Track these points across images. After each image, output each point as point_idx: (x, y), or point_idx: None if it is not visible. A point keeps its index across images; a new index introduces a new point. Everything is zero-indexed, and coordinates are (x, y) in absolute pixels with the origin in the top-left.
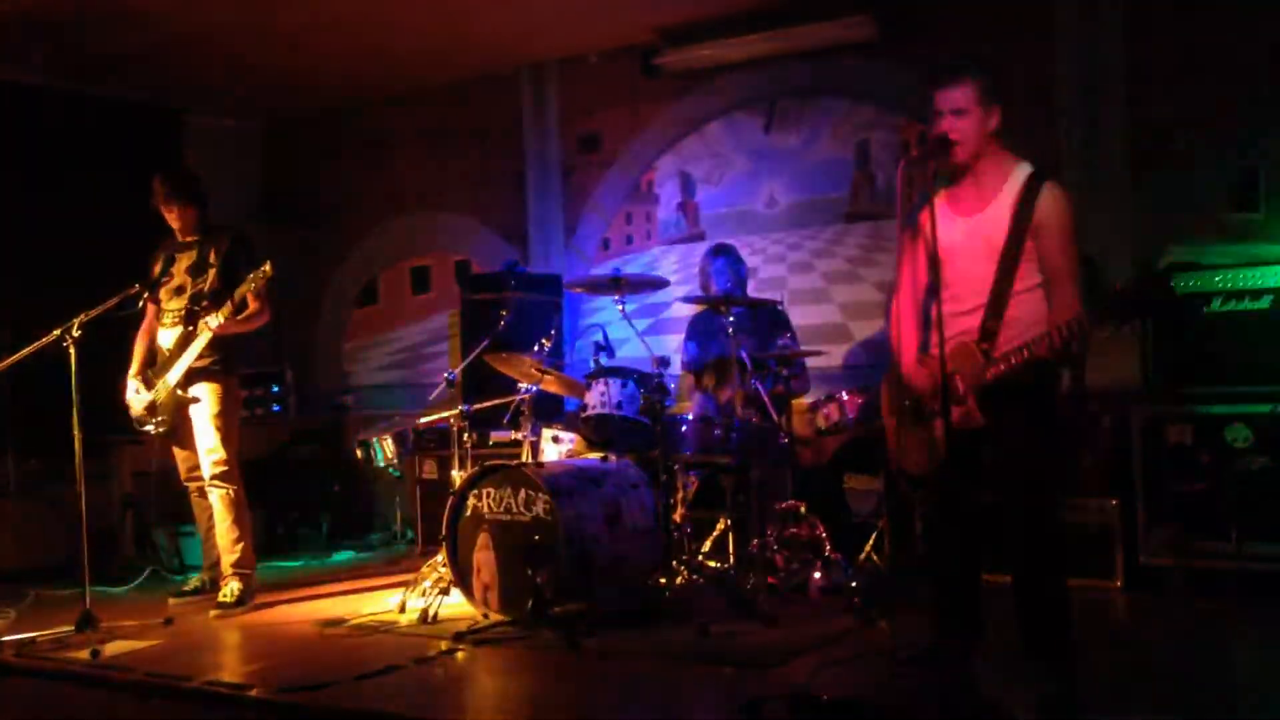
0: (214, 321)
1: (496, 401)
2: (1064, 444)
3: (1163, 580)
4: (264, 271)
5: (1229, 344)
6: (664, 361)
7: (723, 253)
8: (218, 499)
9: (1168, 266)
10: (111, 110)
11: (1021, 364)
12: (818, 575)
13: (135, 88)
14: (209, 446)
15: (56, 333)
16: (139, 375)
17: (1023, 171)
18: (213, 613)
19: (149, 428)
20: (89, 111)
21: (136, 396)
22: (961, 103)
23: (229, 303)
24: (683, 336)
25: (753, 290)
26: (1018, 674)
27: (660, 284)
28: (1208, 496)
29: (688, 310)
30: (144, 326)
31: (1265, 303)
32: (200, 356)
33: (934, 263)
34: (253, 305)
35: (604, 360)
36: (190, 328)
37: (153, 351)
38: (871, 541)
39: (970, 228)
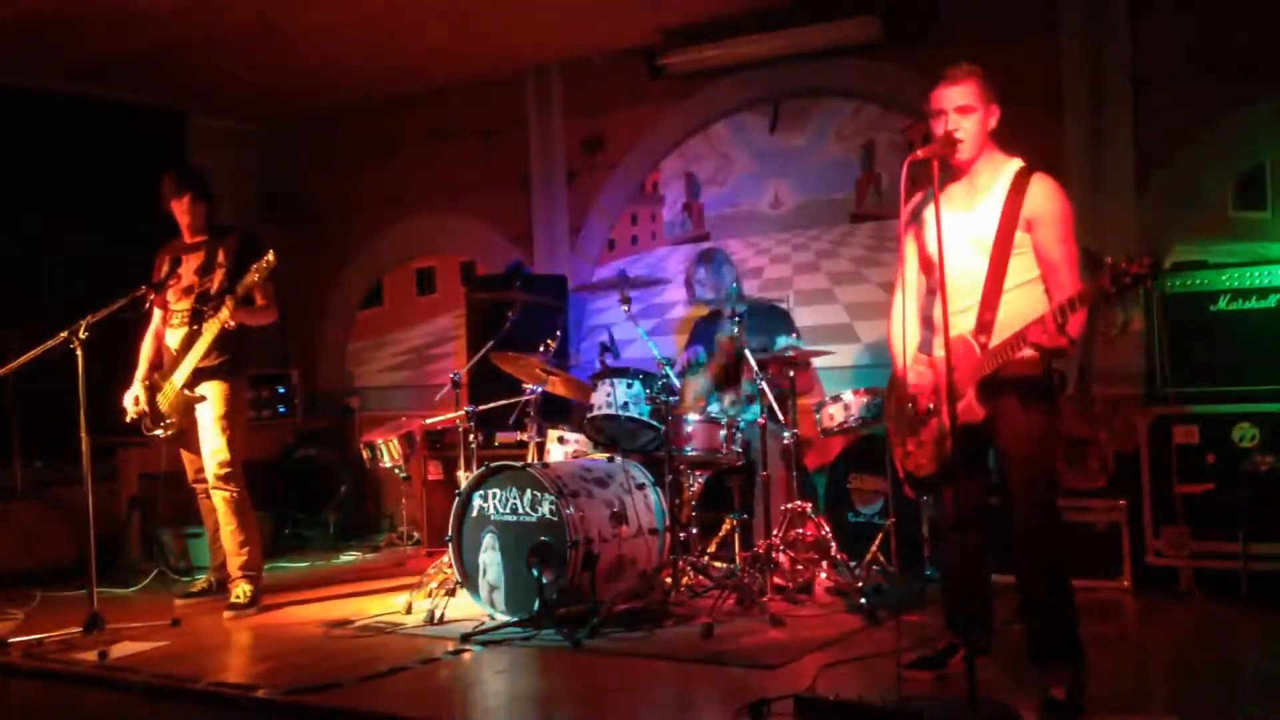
0: (224, 314)
1: (502, 402)
2: (1063, 442)
3: (1170, 581)
4: (267, 260)
5: (1236, 343)
6: (669, 362)
7: (705, 260)
8: (221, 502)
9: (1173, 265)
10: (115, 112)
11: (1019, 353)
12: (824, 576)
13: (139, 90)
14: (214, 448)
15: (63, 335)
16: (146, 380)
17: (1012, 167)
18: (226, 614)
19: (158, 433)
20: (93, 114)
21: (134, 405)
22: (964, 100)
23: (234, 294)
24: (686, 339)
25: (757, 291)
26: (1024, 675)
27: (665, 285)
28: (1215, 497)
29: (692, 311)
30: (150, 330)
31: (1272, 301)
32: (207, 356)
33: (930, 265)
34: (260, 300)
35: (610, 361)
36: (196, 327)
37: (160, 354)
38: (877, 542)
39: (960, 226)
